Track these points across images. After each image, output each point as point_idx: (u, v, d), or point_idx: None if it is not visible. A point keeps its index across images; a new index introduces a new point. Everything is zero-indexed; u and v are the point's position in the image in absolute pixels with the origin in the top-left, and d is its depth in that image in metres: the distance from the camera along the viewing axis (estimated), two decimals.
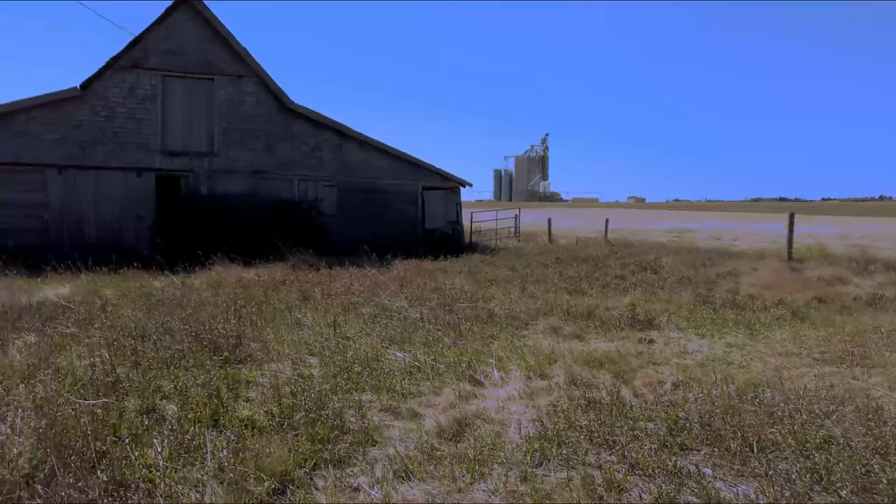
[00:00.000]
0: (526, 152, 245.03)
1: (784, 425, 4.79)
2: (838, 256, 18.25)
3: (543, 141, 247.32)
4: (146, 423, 4.90)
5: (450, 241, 21.59)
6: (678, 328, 9.25)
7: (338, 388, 5.87)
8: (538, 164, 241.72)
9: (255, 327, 8.29)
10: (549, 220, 24.83)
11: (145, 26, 18.32)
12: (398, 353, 7.17)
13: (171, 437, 4.53)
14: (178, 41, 18.62)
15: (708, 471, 4.17)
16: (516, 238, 25.33)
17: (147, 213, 18.38)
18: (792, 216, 16.97)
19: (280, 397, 5.38)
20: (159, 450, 4.36)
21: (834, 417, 4.96)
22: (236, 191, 19.31)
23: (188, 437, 4.54)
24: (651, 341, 8.58)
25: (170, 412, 5.20)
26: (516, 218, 26.98)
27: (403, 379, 6.31)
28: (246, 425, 4.91)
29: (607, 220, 24.25)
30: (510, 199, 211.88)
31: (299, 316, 9.17)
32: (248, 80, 19.44)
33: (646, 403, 5.56)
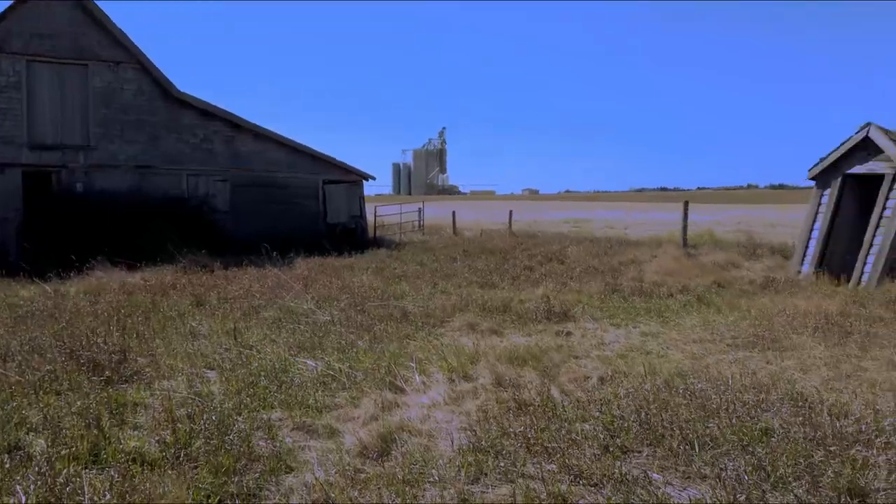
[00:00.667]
0: (424, 146, 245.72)
1: (721, 418, 4.65)
2: (727, 242, 19.17)
3: (441, 134, 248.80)
4: (7, 465, 4.07)
5: (354, 237, 20.92)
6: (593, 319, 9.17)
7: (242, 406, 5.21)
8: (436, 157, 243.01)
9: (143, 339, 7.40)
10: (454, 212, 24.64)
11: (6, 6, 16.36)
12: (309, 362, 6.56)
13: (39, 482, 3.76)
14: (46, 23, 16.76)
15: (656, 476, 3.92)
16: (421, 232, 24.99)
17: (13, 215, 16.47)
18: (686, 204, 17.62)
19: (174, 422, 4.67)
20: (23, 499, 3.59)
21: (769, 409, 4.87)
22: (118, 187, 17.70)
23: (61, 480, 3.78)
24: (569, 333, 8.43)
25: (38, 449, 4.37)
26: (420, 211, 26.63)
27: (317, 391, 5.73)
28: (133, 459, 4.19)
29: (511, 212, 24.38)
30: (409, 193, 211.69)
31: (193, 324, 8.31)
32: (127, 67, 17.83)
33: (578, 402, 5.30)
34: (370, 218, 23.43)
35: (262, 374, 6.07)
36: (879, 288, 10.92)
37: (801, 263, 12.47)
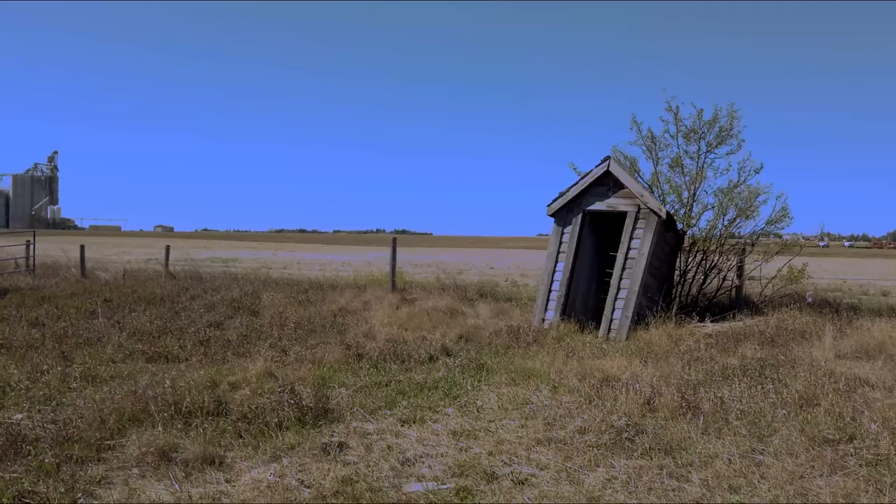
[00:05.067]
0: (28, 171, 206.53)
1: None
2: (427, 284, 17.54)
3: (51, 159, 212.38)
4: None
5: None
6: (368, 413, 5.84)
7: None
8: (45, 185, 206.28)
9: None
10: (83, 247, 18.35)
11: None
12: None
13: None
14: None
15: None
16: (30, 274, 18.00)
17: None
18: (394, 241, 15.42)
19: None
20: None
21: None
22: None
23: None
24: (342, 447, 5.01)
25: None
26: (29, 246, 19.42)
27: None
28: None
29: (168, 248, 19.09)
30: (7, 226, 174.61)
31: None
32: None
33: None
34: None
35: None
36: (630, 337, 9.92)
37: (545, 310, 11.00)
